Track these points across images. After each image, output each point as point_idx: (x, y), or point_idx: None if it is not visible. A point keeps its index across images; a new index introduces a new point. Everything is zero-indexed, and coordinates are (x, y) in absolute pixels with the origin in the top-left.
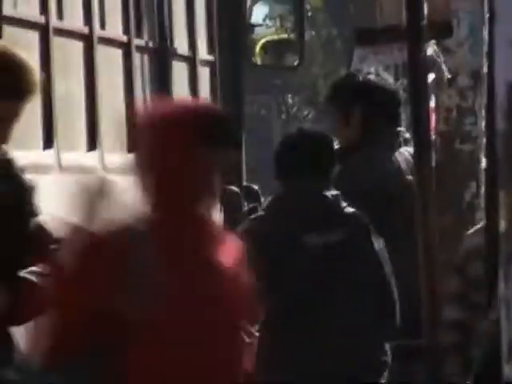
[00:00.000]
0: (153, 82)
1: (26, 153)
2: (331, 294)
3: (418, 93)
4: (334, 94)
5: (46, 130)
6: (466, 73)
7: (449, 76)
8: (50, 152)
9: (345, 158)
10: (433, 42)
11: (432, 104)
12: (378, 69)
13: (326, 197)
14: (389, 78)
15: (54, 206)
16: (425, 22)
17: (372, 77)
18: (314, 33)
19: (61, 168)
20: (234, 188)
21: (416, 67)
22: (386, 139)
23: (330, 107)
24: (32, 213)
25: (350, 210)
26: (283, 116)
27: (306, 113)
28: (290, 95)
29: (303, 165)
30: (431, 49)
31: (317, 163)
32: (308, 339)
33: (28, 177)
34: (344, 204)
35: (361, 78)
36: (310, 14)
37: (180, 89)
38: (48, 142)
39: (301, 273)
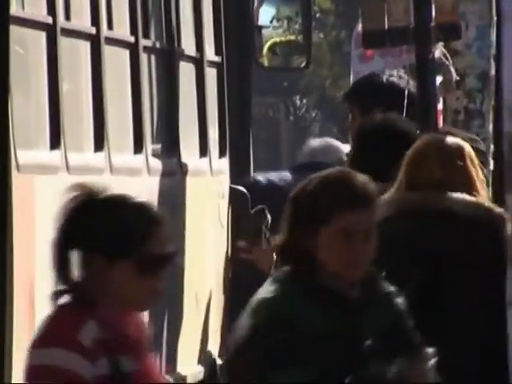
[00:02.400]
0: (160, 83)
1: (33, 153)
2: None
3: (426, 95)
4: (355, 92)
5: (53, 130)
6: (473, 75)
7: (457, 78)
8: (58, 152)
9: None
10: (441, 43)
11: (440, 106)
12: (399, 71)
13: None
14: (411, 81)
15: (61, 206)
16: (433, 24)
17: (395, 79)
18: (322, 35)
19: (68, 168)
20: (242, 189)
21: (424, 69)
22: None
23: (349, 104)
24: None
25: None
26: (291, 117)
27: (313, 114)
28: (297, 97)
29: None
30: (439, 51)
31: None
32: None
33: None
34: None
35: (384, 80)
36: (318, 15)
37: (187, 90)
38: (55, 142)
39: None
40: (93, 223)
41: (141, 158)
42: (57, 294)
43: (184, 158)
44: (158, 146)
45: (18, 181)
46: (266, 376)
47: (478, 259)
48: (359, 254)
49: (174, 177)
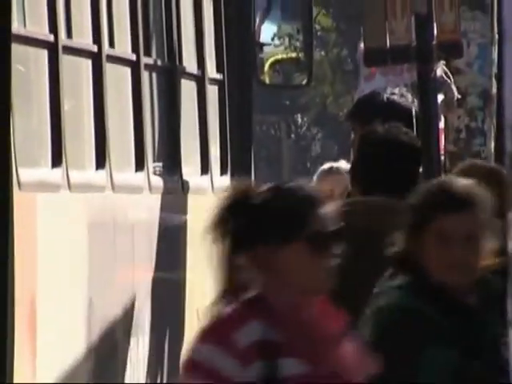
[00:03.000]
0: (161, 101)
1: (34, 170)
2: None
3: (428, 113)
4: (357, 110)
5: (55, 148)
6: (475, 93)
7: (458, 96)
8: (59, 170)
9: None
10: (442, 62)
11: (441, 124)
12: (401, 89)
13: None
14: (410, 98)
15: (62, 224)
16: (434, 42)
17: (396, 97)
18: (323, 53)
19: (70, 186)
20: None
21: (425, 87)
22: None
23: (351, 122)
24: None
25: None
26: (292, 135)
27: (315, 132)
28: (299, 115)
29: None
30: (440, 69)
31: None
32: None
33: None
34: None
35: (385, 98)
36: (319, 33)
37: (188, 107)
38: (57, 160)
39: None
40: (254, 216)
41: (142, 175)
42: (225, 294)
43: (185, 176)
44: (160, 164)
45: (19, 198)
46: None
47: None
48: (458, 259)
49: (176, 194)
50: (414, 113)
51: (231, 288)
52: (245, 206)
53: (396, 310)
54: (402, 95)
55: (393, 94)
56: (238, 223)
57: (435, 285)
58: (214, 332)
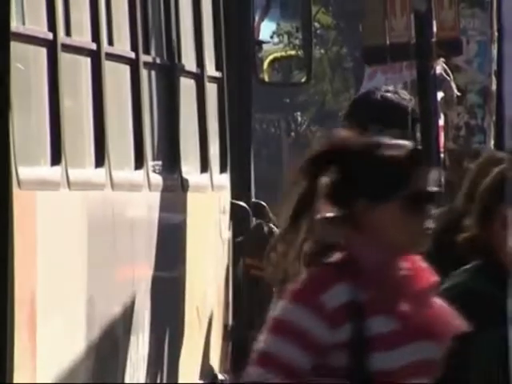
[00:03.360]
0: (160, 99)
1: (34, 169)
2: None
3: (427, 111)
4: (352, 111)
5: (54, 146)
6: (474, 90)
7: (458, 94)
8: (59, 168)
9: None
10: (442, 59)
11: (441, 122)
12: (397, 86)
13: None
14: (407, 96)
15: (62, 222)
16: (434, 40)
17: (390, 94)
18: (322, 51)
19: (69, 184)
20: (242, 204)
21: (425, 85)
22: None
23: (348, 123)
24: None
25: None
26: (292, 133)
27: (314, 130)
28: (298, 113)
29: None
30: (440, 67)
31: None
32: None
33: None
34: None
35: (379, 96)
36: (318, 31)
37: (188, 105)
38: (56, 158)
39: None
40: (356, 169)
41: (141, 173)
42: (320, 253)
43: (185, 174)
44: (159, 162)
45: (19, 197)
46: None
47: None
48: None
49: (175, 192)
50: (409, 109)
51: (317, 249)
52: (347, 157)
53: (463, 291)
54: (396, 92)
55: (387, 91)
56: (338, 175)
57: (504, 268)
58: (303, 293)
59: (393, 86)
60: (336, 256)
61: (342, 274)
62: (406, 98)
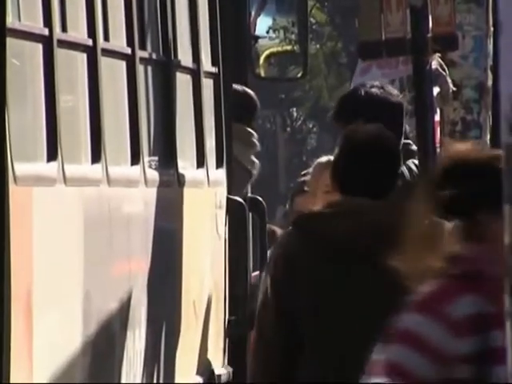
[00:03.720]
0: (157, 94)
1: (30, 165)
2: None
3: (423, 106)
4: (339, 109)
5: (50, 141)
6: (470, 85)
7: (453, 89)
8: (55, 164)
9: None
10: (437, 54)
11: (437, 117)
12: (382, 81)
13: None
14: (393, 91)
15: (58, 218)
16: (429, 35)
17: (376, 90)
18: (318, 46)
19: (65, 180)
20: (239, 199)
21: (421, 80)
22: None
23: (336, 123)
24: None
25: None
26: (288, 129)
27: (310, 126)
28: (294, 108)
29: None
30: (436, 62)
31: None
32: None
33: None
34: None
35: (364, 92)
36: (314, 27)
37: (184, 101)
38: (52, 154)
39: None
40: (482, 179)
41: (138, 169)
42: (444, 264)
43: (181, 169)
44: (155, 158)
45: (15, 193)
46: None
47: None
48: None
49: (172, 188)
50: (397, 104)
51: (438, 260)
52: (471, 168)
53: None
54: (382, 87)
55: (373, 87)
56: (462, 185)
57: None
58: (429, 304)
59: (388, 81)
60: (460, 267)
61: (467, 285)
62: (393, 93)
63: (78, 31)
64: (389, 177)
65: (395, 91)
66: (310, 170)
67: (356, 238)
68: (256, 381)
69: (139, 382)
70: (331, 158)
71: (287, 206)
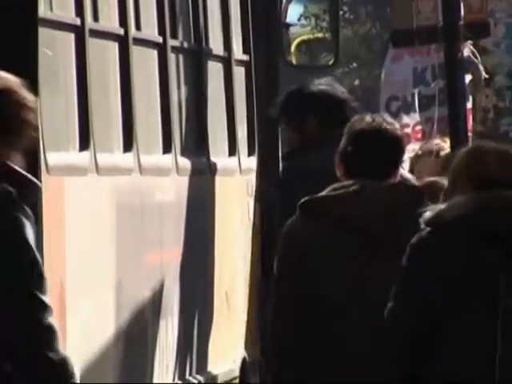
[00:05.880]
0: (188, 83)
1: (62, 154)
2: None
3: (455, 93)
4: (286, 106)
5: (82, 131)
6: (502, 73)
7: (486, 76)
8: (87, 153)
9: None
10: (469, 42)
11: (469, 104)
12: (328, 80)
13: None
14: (341, 88)
15: (90, 207)
16: (461, 22)
17: (324, 87)
18: (351, 32)
19: (97, 169)
20: (272, 189)
21: (453, 68)
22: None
23: (280, 116)
24: None
25: None
26: None
27: None
28: None
29: None
30: (468, 49)
31: None
32: None
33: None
34: None
35: (312, 89)
36: (346, 15)
37: (215, 89)
38: (84, 143)
39: None
40: None
41: (170, 157)
42: None
43: (213, 157)
44: (187, 146)
45: (47, 182)
46: None
47: None
48: None
49: (203, 176)
50: (342, 102)
51: None
52: None
53: None
54: (330, 84)
55: (320, 84)
56: None
57: None
58: None
59: (420, 68)
60: None
61: None
62: (340, 89)
63: (110, 21)
64: (390, 160)
65: (342, 89)
66: None
67: (367, 218)
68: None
69: (171, 371)
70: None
71: None
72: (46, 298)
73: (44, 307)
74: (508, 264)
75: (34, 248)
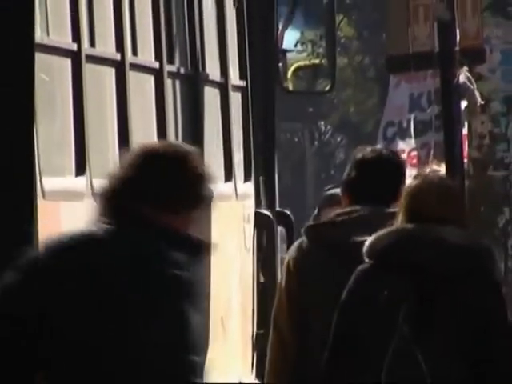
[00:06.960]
0: (185, 108)
1: (58, 179)
2: None
3: (451, 119)
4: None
5: (79, 156)
6: (498, 99)
7: (481, 102)
8: (83, 179)
9: None
10: (465, 68)
11: (465, 130)
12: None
13: None
14: None
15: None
16: (457, 48)
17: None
18: (346, 60)
19: (94, 194)
20: (266, 212)
21: (449, 94)
22: None
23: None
24: None
25: None
26: (316, 143)
27: (338, 139)
28: (322, 122)
29: None
30: (463, 75)
31: None
32: None
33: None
34: None
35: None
36: (342, 41)
37: (212, 114)
38: (81, 169)
39: None
40: None
41: None
42: None
43: None
44: None
45: (44, 207)
46: None
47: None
48: None
49: None
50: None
51: None
52: None
53: None
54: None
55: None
56: None
57: None
58: None
59: (416, 94)
60: None
61: None
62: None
63: (107, 46)
64: (392, 188)
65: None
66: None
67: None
68: (270, 380)
69: None
70: (337, 190)
71: (311, 218)
72: None
73: None
74: (412, 295)
75: None
